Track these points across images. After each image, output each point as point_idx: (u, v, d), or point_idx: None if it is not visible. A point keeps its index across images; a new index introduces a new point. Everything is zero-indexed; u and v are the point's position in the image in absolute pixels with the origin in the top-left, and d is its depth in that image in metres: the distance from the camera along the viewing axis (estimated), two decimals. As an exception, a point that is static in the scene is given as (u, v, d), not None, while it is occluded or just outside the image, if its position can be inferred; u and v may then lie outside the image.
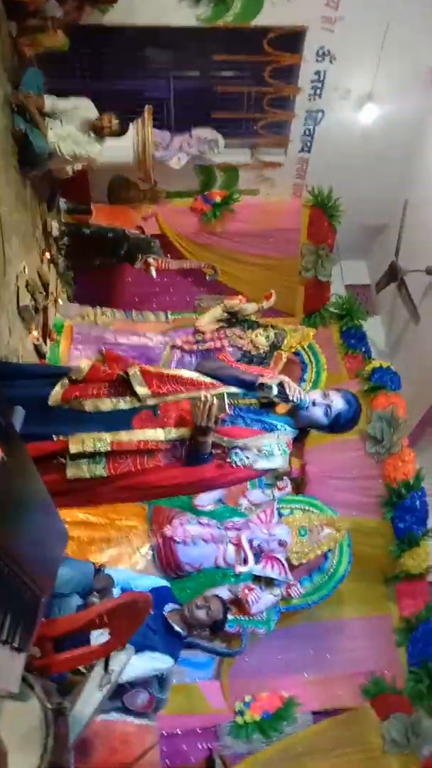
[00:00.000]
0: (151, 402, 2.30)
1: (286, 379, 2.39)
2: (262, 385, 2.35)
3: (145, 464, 2.25)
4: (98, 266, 5.71)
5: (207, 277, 5.69)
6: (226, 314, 5.31)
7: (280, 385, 2.37)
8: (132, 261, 5.40)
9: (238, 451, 2.31)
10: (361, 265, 7.30)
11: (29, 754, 1.38)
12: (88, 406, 2.28)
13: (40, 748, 1.38)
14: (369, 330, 6.20)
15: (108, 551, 4.11)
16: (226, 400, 2.25)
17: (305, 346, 5.35)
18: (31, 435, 2.19)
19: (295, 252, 6.12)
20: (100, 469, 2.21)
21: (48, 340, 4.93)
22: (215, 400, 2.17)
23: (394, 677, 4.70)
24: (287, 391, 2.35)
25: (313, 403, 2.40)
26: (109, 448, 2.21)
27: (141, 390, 2.28)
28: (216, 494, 4.55)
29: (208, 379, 2.39)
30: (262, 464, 2.33)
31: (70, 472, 2.21)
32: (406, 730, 4.28)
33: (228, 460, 2.31)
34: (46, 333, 4.90)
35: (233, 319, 5.33)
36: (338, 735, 4.46)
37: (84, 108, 4.65)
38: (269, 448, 2.34)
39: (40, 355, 4.69)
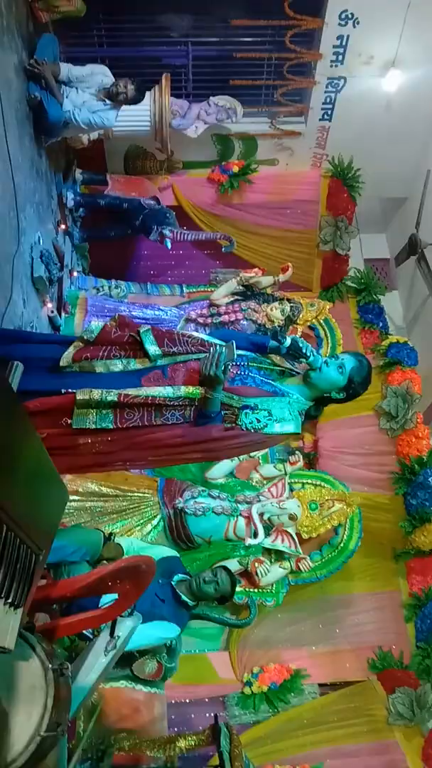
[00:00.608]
0: (161, 362, 2.29)
1: (298, 337, 2.38)
2: (276, 334, 2.34)
3: (153, 420, 2.23)
4: (113, 237, 5.67)
5: (223, 249, 5.63)
6: (241, 287, 5.26)
7: (294, 341, 2.35)
8: (147, 232, 5.36)
9: (248, 412, 2.28)
10: (380, 238, 7.16)
11: (30, 713, 1.40)
12: (99, 367, 2.28)
13: (40, 708, 1.40)
14: (387, 305, 6.11)
15: (120, 522, 4.14)
16: (235, 349, 2.23)
17: (321, 321, 5.31)
18: (40, 392, 2.20)
19: (313, 224, 6.03)
20: (107, 421, 2.20)
21: (63, 312, 4.93)
22: (224, 349, 2.16)
23: (401, 652, 4.74)
24: (299, 344, 2.33)
25: (326, 364, 2.38)
26: (116, 399, 2.19)
27: (152, 348, 2.26)
28: (228, 467, 4.56)
29: (219, 342, 2.37)
30: (273, 428, 2.29)
31: (77, 422, 2.19)
32: (412, 703, 4.32)
33: (238, 422, 2.28)
34: (60, 305, 4.90)
35: (249, 292, 5.28)
36: (344, 707, 4.53)
37: (100, 75, 4.56)
38: (281, 413, 2.31)
39: (55, 327, 4.69)
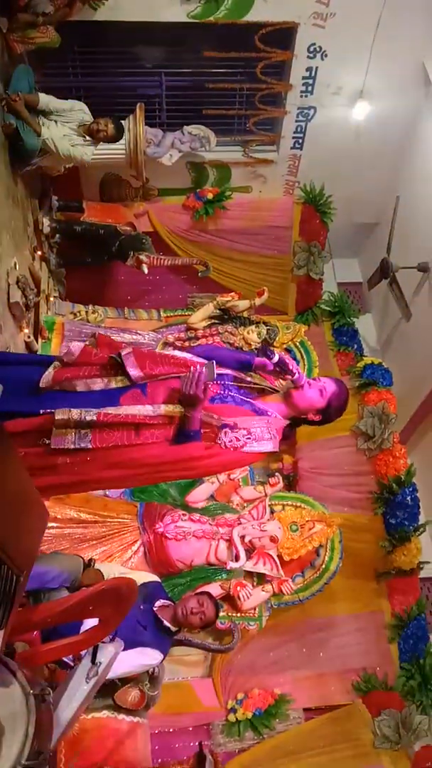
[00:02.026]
0: (142, 382, 2.30)
1: (284, 354, 2.43)
2: (264, 349, 2.37)
3: (132, 440, 2.22)
4: (90, 263, 5.70)
5: (199, 274, 5.69)
6: (218, 311, 5.32)
7: (281, 358, 2.39)
8: (124, 258, 5.39)
9: (227, 430, 2.29)
10: (353, 262, 7.31)
11: (11, 740, 1.36)
12: (80, 386, 2.27)
13: (21, 735, 1.37)
14: (361, 327, 6.22)
15: (100, 548, 4.09)
16: (215, 368, 2.25)
17: (297, 343, 5.37)
18: (19, 413, 2.18)
19: (287, 249, 6.13)
20: (86, 442, 2.18)
21: (39, 338, 4.92)
22: (204, 369, 2.17)
23: (385, 674, 4.71)
24: (286, 360, 2.37)
25: (308, 384, 2.42)
26: (95, 419, 2.18)
27: (134, 371, 2.27)
28: (208, 491, 4.55)
29: (202, 360, 2.39)
30: (252, 447, 2.30)
31: (55, 442, 2.17)
32: (398, 725, 4.29)
33: (217, 441, 2.28)
34: (37, 330, 4.89)
35: (225, 315, 5.34)
36: (330, 732, 4.47)
37: (80, 111, 4.70)
38: (259, 431, 2.32)
39: (31, 352, 4.67)
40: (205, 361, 2.36)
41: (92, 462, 2.23)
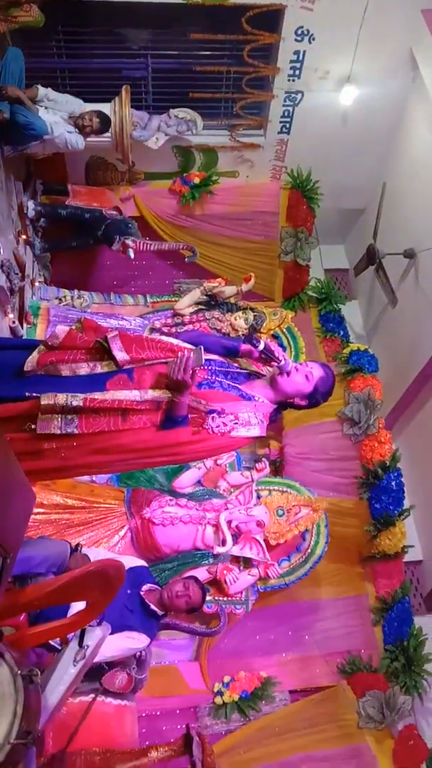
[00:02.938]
0: (128, 367, 2.28)
1: (270, 341, 2.42)
2: (250, 336, 2.36)
3: (119, 425, 2.21)
4: (75, 248, 5.65)
5: (186, 259, 5.66)
6: (205, 297, 5.30)
7: (267, 344, 2.39)
8: (110, 243, 5.35)
9: (215, 416, 2.29)
10: (339, 249, 7.31)
11: (-1, 721, 1.37)
12: (65, 370, 2.25)
13: (9, 715, 1.37)
14: (347, 314, 6.24)
15: (87, 534, 4.09)
16: (202, 354, 2.24)
17: (284, 329, 5.38)
18: (4, 398, 2.17)
19: (274, 235, 6.11)
20: (72, 427, 2.17)
21: (24, 323, 4.88)
22: (191, 354, 2.17)
23: (370, 656, 4.78)
24: (271, 347, 2.37)
25: (296, 369, 2.42)
26: (81, 404, 2.17)
27: (120, 355, 2.25)
28: (195, 476, 4.55)
29: (189, 346, 2.38)
30: (240, 432, 2.31)
31: (41, 427, 2.16)
32: (382, 706, 4.36)
33: (205, 426, 2.28)
34: (22, 316, 4.85)
35: (212, 301, 5.33)
36: (315, 713, 4.54)
37: (73, 104, 4.76)
38: (246, 416, 2.33)
39: (16, 337, 4.63)
40: (192, 347, 2.35)
41: (78, 447, 2.21)
